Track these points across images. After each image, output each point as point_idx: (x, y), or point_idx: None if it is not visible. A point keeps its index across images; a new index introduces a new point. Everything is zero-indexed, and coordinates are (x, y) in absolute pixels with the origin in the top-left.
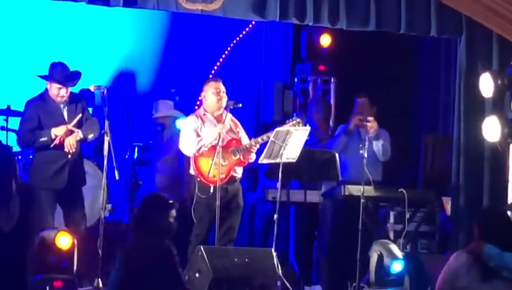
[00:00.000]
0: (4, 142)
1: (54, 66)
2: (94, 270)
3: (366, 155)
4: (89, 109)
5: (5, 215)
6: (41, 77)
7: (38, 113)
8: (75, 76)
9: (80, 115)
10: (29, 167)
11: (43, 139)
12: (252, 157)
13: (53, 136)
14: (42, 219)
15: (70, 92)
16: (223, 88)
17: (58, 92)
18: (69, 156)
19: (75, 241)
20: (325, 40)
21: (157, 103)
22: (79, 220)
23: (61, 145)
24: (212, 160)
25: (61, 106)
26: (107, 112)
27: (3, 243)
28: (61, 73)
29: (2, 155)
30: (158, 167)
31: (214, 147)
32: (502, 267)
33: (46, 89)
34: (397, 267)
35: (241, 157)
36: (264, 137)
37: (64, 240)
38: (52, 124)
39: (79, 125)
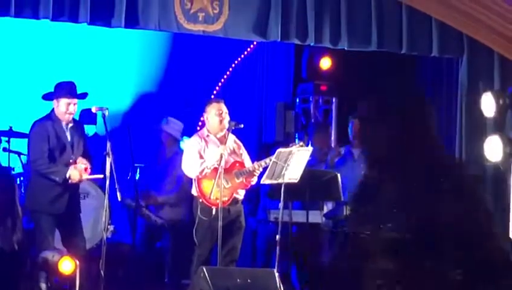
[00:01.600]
0: (6, 163)
1: (60, 84)
2: None
3: None
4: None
5: (10, 237)
6: (47, 96)
7: (48, 133)
8: (82, 94)
9: (102, 175)
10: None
11: (55, 178)
12: (254, 180)
13: (67, 177)
14: (43, 241)
15: (73, 119)
16: (225, 109)
17: (67, 108)
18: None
19: (77, 263)
20: (326, 63)
21: (168, 119)
22: (79, 243)
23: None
24: (214, 182)
25: (65, 128)
26: (108, 133)
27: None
28: (69, 88)
29: (4, 178)
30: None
31: (216, 169)
32: None
33: (53, 110)
34: None
35: (244, 181)
36: (267, 160)
37: (67, 265)
38: (58, 146)
39: (83, 148)
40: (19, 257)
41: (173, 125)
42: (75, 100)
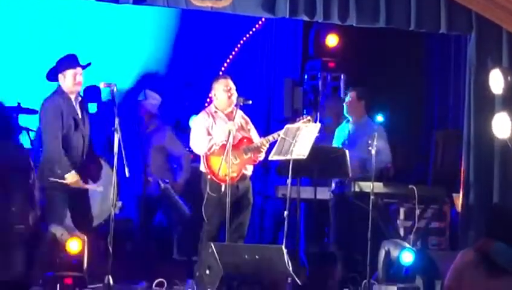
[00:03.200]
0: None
1: (61, 58)
2: (104, 268)
3: (373, 152)
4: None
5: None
6: (51, 74)
7: (62, 109)
8: (86, 64)
9: (100, 189)
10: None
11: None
12: (262, 155)
13: (64, 181)
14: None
15: (78, 93)
16: (232, 85)
17: (75, 79)
18: (84, 156)
19: (85, 239)
20: (332, 40)
21: (146, 92)
22: (87, 220)
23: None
24: (223, 158)
25: (74, 103)
26: (117, 109)
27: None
28: (72, 59)
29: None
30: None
31: (225, 146)
32: (510, 264)
33: (59, 86)
34: (407, 257)
35: (252, 156)
36: (275, 135)
37: (74, 245)
38: (71, 121)
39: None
40: (36, 234)
41: (151, 100)
42: (80, 70)
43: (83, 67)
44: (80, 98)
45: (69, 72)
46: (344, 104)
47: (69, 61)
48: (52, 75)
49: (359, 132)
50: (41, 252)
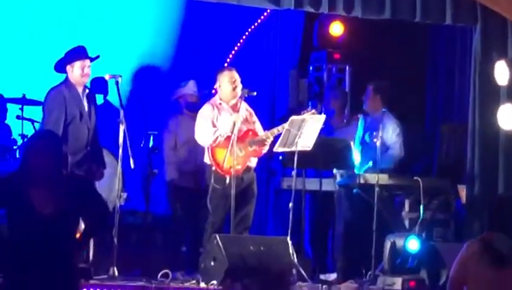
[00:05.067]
0: (20, 131)
1: (70, 50)
2: (109, 259)
3: (378, 144)
4: (101, 96)
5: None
6: (59, 65)
7: (65, 101)
8: (95, 56)
9: None
10: None
11: None
12: (266, 148)
13: None
14: None
15: (86, 86)
16: (237, 77)
17: (82, 71)
18: (88, 147)
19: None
20: (337, 29)
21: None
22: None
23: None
24: (227, 150)
25: (81, 94)
26: (121, 100)
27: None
28: (81, 51)
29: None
30: None
31: (230, 138)
32: None
33: (67, 78)
34: (413, 245)
35: (257, 148)
36: (280, 128)
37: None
38: (76, 113)
39: (95, 116)
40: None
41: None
42: (89, 62)
43: (92, 60)
44: (87, 90)
45: (77, 64)
46: (363, 99)
47: (78, 53)
48: (60, 66)
49: (374, 126)
50: None
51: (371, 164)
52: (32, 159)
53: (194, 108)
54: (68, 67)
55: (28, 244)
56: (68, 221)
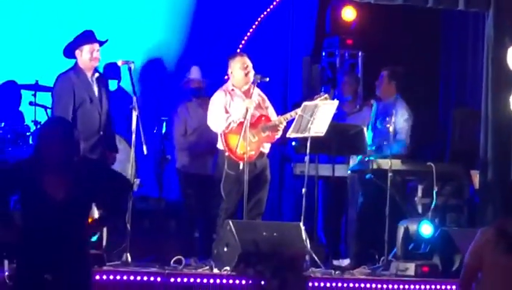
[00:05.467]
0: (32, 117)
1: (78, 35)
2: (123, 245)
3: (391, 129)
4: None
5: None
6: (68, 50)
7: (73, 86)
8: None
9: None
10: None
11: None
12: (279, 133)
13: None
14: None
15: (96, 69)
16: (249, 63)
17: (91, 55)
18: (102, 132)
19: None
20: (349, 14)
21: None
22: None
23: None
24: (240, 136)
25: (93, 81)
26: (134, 86)
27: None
28: (89, 35)
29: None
30: None
31: (243, 123)
32: None
33: (76, 63)
34: (426, 229)
35: (270, 134)
36: (293, 113)
37: None
38: (85, 97)
39: (107, 100)
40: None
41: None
42: (97, 45)
43: (100, 44)
44: (97, 75)
45: (86, 48)
46: (376, 84)
47: (87, 37)
48: (69, 51)
49: (386, 112)
50: None
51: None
52: (44, 145)
53: (199, 94)
54: (77, 52)
55: (40, 230)
56: (80, 207)
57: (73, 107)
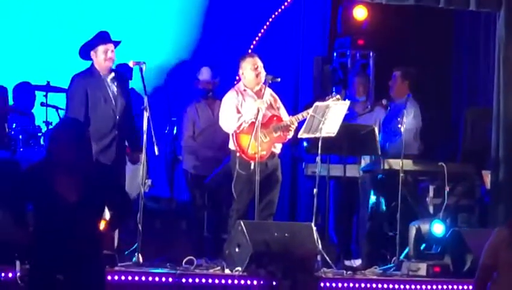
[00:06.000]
0: (44, 118)
1: (93, 36)
2: (134, 246)
3: (403, 129)
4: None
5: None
6: (83, 51)
7: (86, 87)
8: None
9: None
10: None
11: None
12: (291, 133)
13: None
14: None
15: (113, 69)
16: (260, 63)
17: (106, 55)
18: (116, 132)
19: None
20: (360, 13)
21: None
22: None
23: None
24: (251, 136)
25: (108, 81)
26: (146, 87)
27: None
28: (103, 35)
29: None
30: None
31: (254, 124)
32: None
33: (92, 64)
34: (438, 229)
35: (282, 134)
36: (304, 114)
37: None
38: (102, 99)
39: (126, 99)
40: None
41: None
42: (112, 46)
43: (115, 44)
44: (112, 74)
45: (101, 48)
46: (389, 84)
47: (101, 37)
48: (85, 53)
49: (398, 112)
50: None
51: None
52: (55, 147)
53: (208, 95)
54: (92, 53)
55: (53, 231)
56: (92, 208)
57: (86, 107)
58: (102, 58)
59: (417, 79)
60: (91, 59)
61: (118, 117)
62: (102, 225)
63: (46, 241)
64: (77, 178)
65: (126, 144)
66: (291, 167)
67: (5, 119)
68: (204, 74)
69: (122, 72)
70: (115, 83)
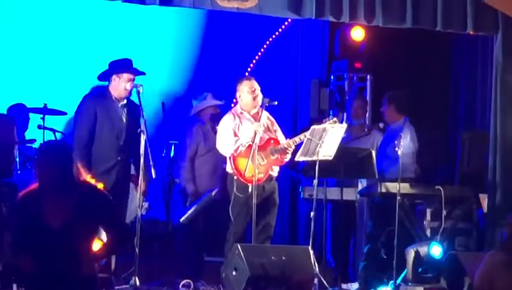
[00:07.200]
0: (41, 140)
1: (119, 60)
2: (131, 269)
3: (400, 153)
4: None
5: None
6: (104, 74)
7: (96, 107)
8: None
9: None
10: None
11: None
12: (288, 156)
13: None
14: None
15: (127, 98)
16: (257, 86)
17: (126, 85)
18: (119, 157)
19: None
20: (358, 34)
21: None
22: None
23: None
24: (249, 159)
25: (120, 106)
26: (143, 110)
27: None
28: (131, 64)
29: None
30: None
31: (251, 147)
32: None
33: (107, 87)
34: (436, 251)
35: (279, 157)
36: (302, 137)
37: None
38: (109, 122)
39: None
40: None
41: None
42: (133, 76)
43: (138, 74)
44: (125, 101)
45: (125, 76)
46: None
47: (128, 66)
48: (107, 75)
49: (394, 136)
50: None
51: None
52: (39, 172)
53: (217, 119)
54: (114, 77)
55: (41, 256)
56: (81, 231)
57: (92, 128)
58: (124, 86)
59: (405, 101)
60: (108, 81)
61: (122, 143)
62: (97, 246)
63: (39, 267)
64: (62, 201)
65: (133, 172)
66: (291, 189)
67: (13, 148)
68: (211, 99)
69: (135, 104)
70: (125, 110)
